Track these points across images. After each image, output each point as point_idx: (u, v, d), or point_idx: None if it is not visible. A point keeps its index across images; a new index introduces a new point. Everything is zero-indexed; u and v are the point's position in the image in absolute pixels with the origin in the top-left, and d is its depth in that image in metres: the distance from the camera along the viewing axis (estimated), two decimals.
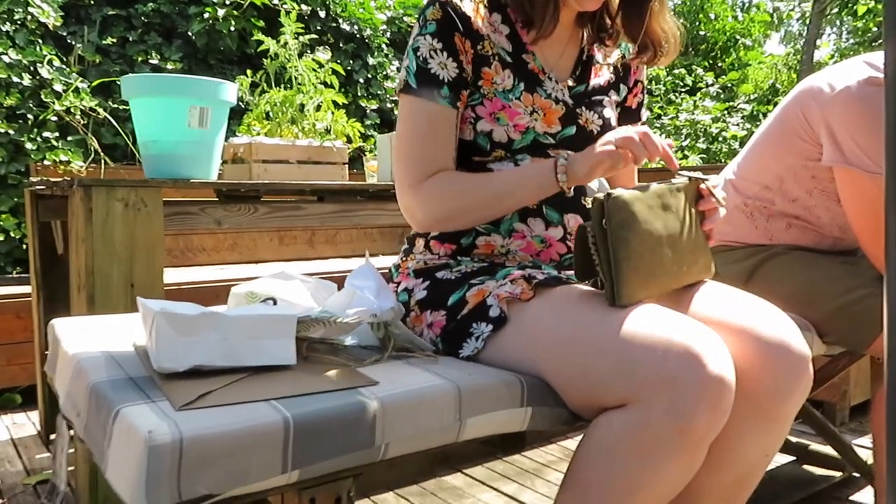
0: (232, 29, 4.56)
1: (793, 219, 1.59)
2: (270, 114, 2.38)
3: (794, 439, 2.12)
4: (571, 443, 2.28)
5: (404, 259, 1.26)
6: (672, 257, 1.03)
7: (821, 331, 1.49)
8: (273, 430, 0.74)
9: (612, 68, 1.31)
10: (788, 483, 1.95)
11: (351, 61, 5.33)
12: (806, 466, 2.06)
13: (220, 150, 1.94)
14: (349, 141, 2.48)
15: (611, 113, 1.29)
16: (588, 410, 0.97)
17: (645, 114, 1.43)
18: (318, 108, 2.43)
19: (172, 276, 3.12)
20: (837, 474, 2.01)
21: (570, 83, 1.24)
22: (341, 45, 5.36)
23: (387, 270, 1.28)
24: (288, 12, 2.47)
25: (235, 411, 0.76)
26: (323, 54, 2.76)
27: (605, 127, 1.25)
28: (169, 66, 4.39)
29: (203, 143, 1.85)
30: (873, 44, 8.78)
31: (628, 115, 1.36)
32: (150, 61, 4.33)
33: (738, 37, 12.23)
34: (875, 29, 8.95)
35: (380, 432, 0.81)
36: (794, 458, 2.08)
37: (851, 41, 10.62)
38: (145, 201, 1.70)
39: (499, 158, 1.19)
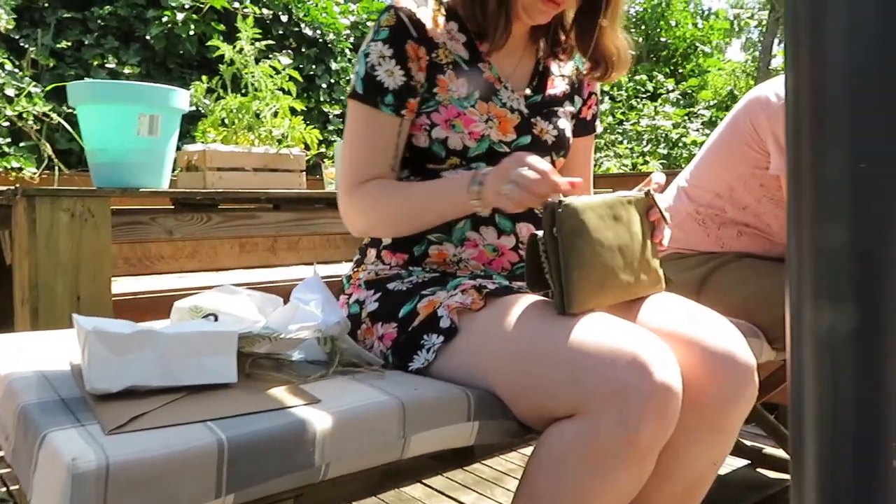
0: (191, 33, 4.49)
1: (743, 226, 1.62)
2: (226, 120, 2.34)
3: (748, 443, 2.15)
4: (531, 450, 2.28)
5: (356, 270, 1.25)
6: (623, 268, 1.04)
7: (771, 337, 1.51)
8: (206, 454, 0.72)
9: (567, 80, 1.33)
10: (742, 487, 1.97)
11: (314, 66, 5.29)
12: (760, 470, 2.09)
13: (171, 158, 1.90)
14: (307, 148, 2.45)
15: (565, 123, 1.30)
16: (538, 421, 0.97)
17: (599, 126, 1.45)
18: (276, 114, 2.40)
19: (128, 285, 3.04)
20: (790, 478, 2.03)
21: (527, 93, 1.25)
22: (304, 49, 5.32)
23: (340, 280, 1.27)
24: (245, 17, 2.44)
25: (168, 434, 0.74)
26: (284, 59, 2.73)
27: (560, 137, 1.27)
28: (126, 71, 4.32)
29: (153, 151, 1.81)
30: None
31: (583, 126, 1.38)
32: (107, 65, 4.25)
33: (698, 44, 12.45)
34: None
35: (320, 452, 0.79)
36: (749, 461, 2.11)
37: None
38: (92, 211, 1.66)
39: (454, 166, 1.19)
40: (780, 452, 2.03)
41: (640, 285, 1.08)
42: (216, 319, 0.98)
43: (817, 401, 0.30)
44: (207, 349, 0.88)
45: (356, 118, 1.17)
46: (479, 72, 1.20)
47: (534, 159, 0.99)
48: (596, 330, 0.93)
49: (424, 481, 2.07)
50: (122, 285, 2.83)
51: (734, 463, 2.12)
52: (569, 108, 1.32)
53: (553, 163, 1.28)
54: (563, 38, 1.29)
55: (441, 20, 1.18)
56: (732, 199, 1.59)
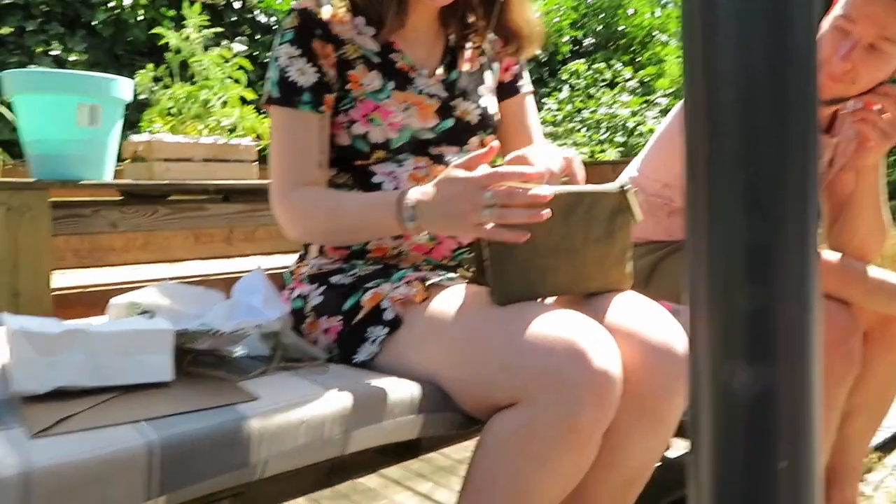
0: (140, 19, 4.37)
1: None
2: (173, 110, 2.28)
3: None
4: None
5: (298, 265, 1.23)
6: (570, 265, 1.01)
7: None
8: (135, 455, 0.70)
9: (480, 51, 1.31)
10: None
11: (268, 53, 5.20)
12: None
13: (114, 148, 1.85)
14: (259, 138, 2.41)
15: (488, 101, 1.28)
16: (483, 412, 0.97)
17: (527, 85, 1.37)
18: (225, 103, 2.35)
19: (76, 279, 2.97)
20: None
21: (442, 75, 1.23)
22: (258, 37, 5.23)
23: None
24: (192, 3, 2.38)
25: (96, 436, 0.72)
26: (238, 46, 2.67)
27: (484, 116, 1.25)
28: (72, 58, 4.18)
29: (94, 142, 1.75)
30: None
31: (505, 90, 1.34)
32: (52, 52, 4.11)
33: (655, 32, 12.59)
34: None
35: (256, 450, 0.78)
36: (688, 454, 2.14)
37: None
38: (30, 204, 1.60)
39: (380, 160, 1.17)
40: None
41: (591, 283, 1.05)
42: (152, 316, 0.96)
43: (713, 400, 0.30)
44: (141, 347, 0.85)
45: (278, 124, 1.16)
46: (391, 62, 1.19)
47: (484, 177, 0.93)
48: (535, 319, 0.93)
49: (381, 471, 2.06)
50: (70, 279, 2.75)
51: (682, 447, 2.16)
52: (488, 79, 1.30)
53: (482, 142, 1.26)
54: (472, 18, 1.27)
55: (346, 16, 1.18)
56: (680, 189, 1.61)
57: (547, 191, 0.94)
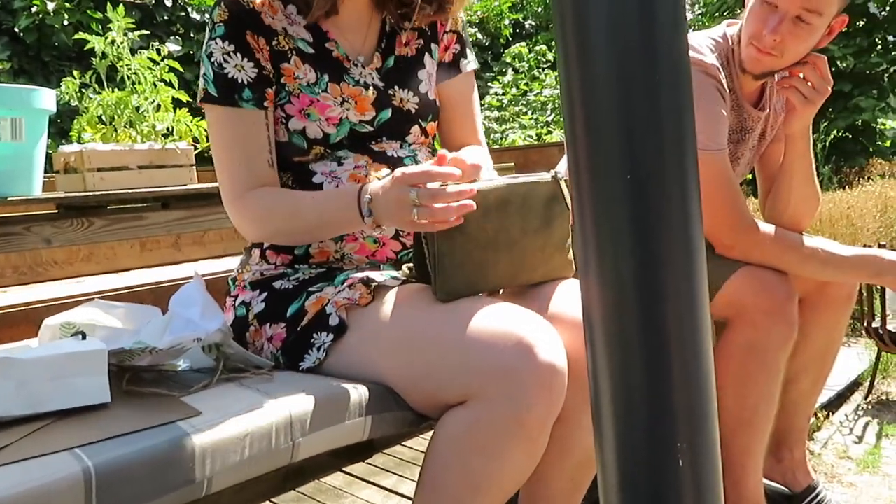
0: (66, 23, 4.21)
1: None
2: (104, 117, 2.21)
3: None
4: None
5: (241, 271, 1.21)
6: (509, 257, 1.02)
7: None
8: (72, 484, 0.68)
9: (416, 34, 1.25)
10: None
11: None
12: None
13: (41, 161, 1.78)
14: (196, 141, 2.36)
15: (427, 86, 1.24)
16: (433, 409, 0.97)
17: (472, 63, 1.32)
18: (158, 107, 2.29)
19: (18, 296, 2.86)
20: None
21: (378, 63, 1.20)
22: (192, 34, 5.10)
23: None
24: (116, 5, 2.30)
25: (30, 467, 0.69)
26: (173, 46, 2.60)
27: (423, 104, 1.22)
28: None
29: (19, 156, 1.69)
30: (715, 15, 9.37)
31: (447, 69, 1.29)
32: None
33: None
34: (715, 1, 9.55)
35: (201, 467, 0.76)
36: (594, 440, 2.18)
37: (699, 12, 11.28)
38: None
39: (319, 156, 1.15)
40: None
41: (532, 273, 1.06)
42: (84, 337, 0.93)
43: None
44: (75, 370, 0.83)
45: (219, 123, 1.12)
46: (326, 52, 1.16)
47: (414, 174, 0.94)
48: (481, 315, 0.93)
49: (344, 469, 2.05)
50: (10, 297, 2.66)
51: None
52: (428, 63, 1.26)
53: (424, 130, 1.23)
54: None
55: (277, 4, 1.14)
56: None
57: (477, 185, 0.95)
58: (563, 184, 1.04)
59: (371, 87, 1.17)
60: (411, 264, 1.11)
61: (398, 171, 0.97)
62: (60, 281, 3.47)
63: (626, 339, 0.29)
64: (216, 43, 1.10)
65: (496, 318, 0.93)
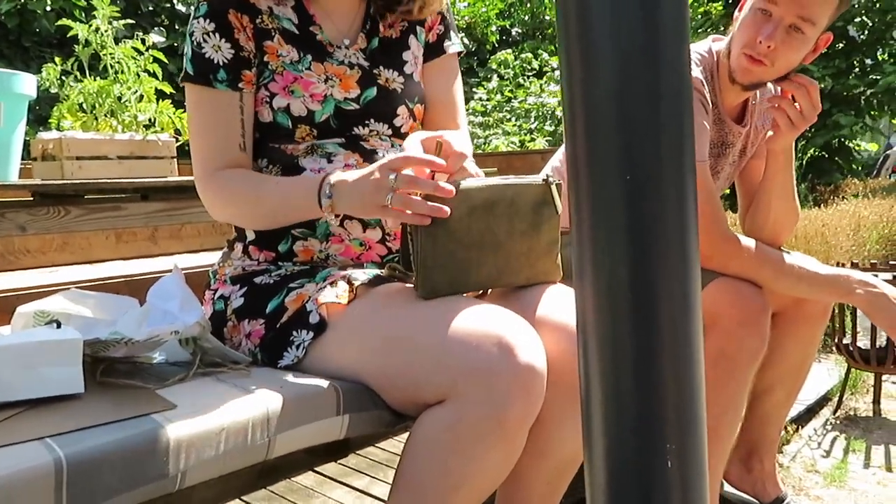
0: (48, 9, 4.15)
1: None
2: (85, 105, 2.18)
3: None
4: None
5: (222, 265, 1.20)
6: (493, 259, 1.01)
7: None
8: (42, 474, 0.67)
9: (401, 17, 1.24)
10: None
11: None
12: None
13: (18, 147, 1.75)
14: (179, 133, 2.33)
15: (412, 67, 1.24)
16: (411, 409, 0.97)
17: (456, 45, 1.31)
18: (141, 98, 2.26)
19: None
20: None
21: (363, 44, 1.20)
22: (177, 26, 5.05)
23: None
24: None
25: (1, 454, 0.68)
26: (157, 37, 2.56)
27: (409, 84, 1.21)
28: None
29: None
30: (699, 31, 9.48)
31: (432, 49, 1.28)
32: None
33: None
34: (700, 17, 9.65)
35: (174, 461, 0.75)
36: (582, 440, 2.20)
37: None
38: None
39: (309, 149, 1.14)
40: None
41: (517, 276, 1.06)
42: (59, 326, 0.91)
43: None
44: (47, 359, 0.81)
45: (194, 102, 1.13)
46: (311, 35, 1.16)
47: (397, 159, 0.95)
48: (461, 315, 0.93)
49: (316, 469, 2.04)
50: None
51: None
52: (413, 45, 1.25)
53: (411, 112, 1.22)
54: None
55: None
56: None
57: (465, 184, 0.95)
58: (553, 188, 1.04)
59: (356, 67, 1.17)
60: (395, 263, 1.11)
61: (384, 159, 0.97)
62: (32, 270, 3.41)
63: (618, 341, 0.29)
64: (198, 22, 1.10)
65: (476, 318, 0.93)
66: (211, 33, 1.10)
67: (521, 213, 1.02)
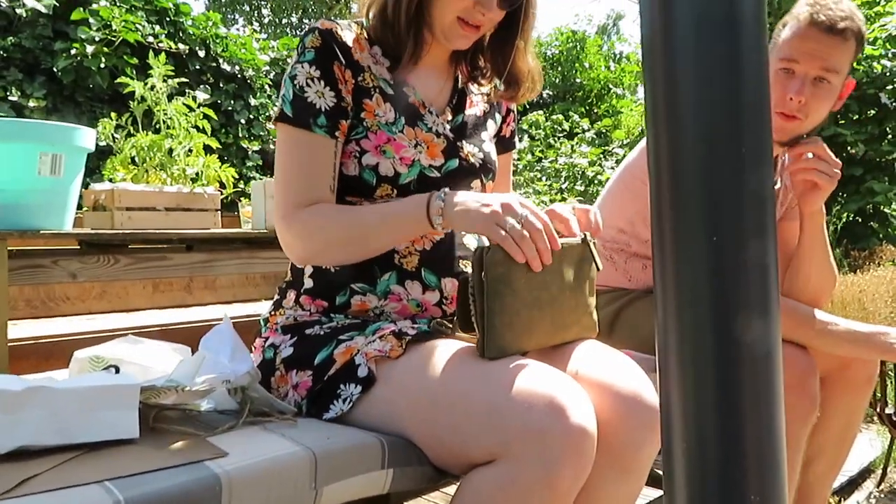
0: (102, 66, 4.35)
1: (647, 260, 1.68)
2: (136, 159, 2.27)
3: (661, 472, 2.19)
4: (453, 489, 2.25)
5: (273, 313, 1.22)
6: (550, 315, 1.03)
7: None
8: None
9: (485, 98, 1.33)
10: None
11: (232, 101, 5.21)
12: None
13: (75, 197, 1.82)
14: (223, 186, 2.41)
15: (490, 146, 1.30)
16: (456, 466, 0.97)
17: (518, 142, 1.47)
18: (190, 152, 2.34)
19: (29, 329, 2.87)
20: None
21: (449, 116, 1.25)
22: (222, 84, 5.24)
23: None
24: (157, 53, 2.39)
25: (61, 497, 0.70)
26: (201, 94, 2.68)
27: (486, 160, 1.27)
28: (31, 104, 4.13)
29: (55, 191, 1.73)
30: None
31: (503, 143, 1.39)
32: (10, 98, 4.05)
33: (611, 85, 13.00)
34: None
35: None
36: (663, 491, 2.15)
37: None
38: None
39: (383, 196, 1.16)
40: None
41: (567, 332, 1.08)
42: (117, 371, 0.94)
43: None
44: (106, 403, 0.84)
45: (289, 142, 1.13)
46: (404, 96, 1.20)
47: (535, 209, 1.01)
48: (512, 374, 0.94)
49: None
50: (23, 329, 2.67)
51: (650, 494, 2.16)
52: (491, 128, 1.33)
53: (483, 186, 1.28)
54: (481, 61, 1.30)
55: (365, 43, 1.18)
56: (635, 234, 1.66)
57: (564, 242, 1.01)
58: (591, 245, 1.07)
59: (442, 136, 1.21)
60: (442, 319, 1.12)
61: (518, 195, 1.04)
62: (73, 317, 3.48)
63: (700, 386, 0.30)
64: (302, 67, 1.12)
65: (527, 378, 0.93)
66: (316, 79, 1.12)
67: (568, 269, 1.05)
